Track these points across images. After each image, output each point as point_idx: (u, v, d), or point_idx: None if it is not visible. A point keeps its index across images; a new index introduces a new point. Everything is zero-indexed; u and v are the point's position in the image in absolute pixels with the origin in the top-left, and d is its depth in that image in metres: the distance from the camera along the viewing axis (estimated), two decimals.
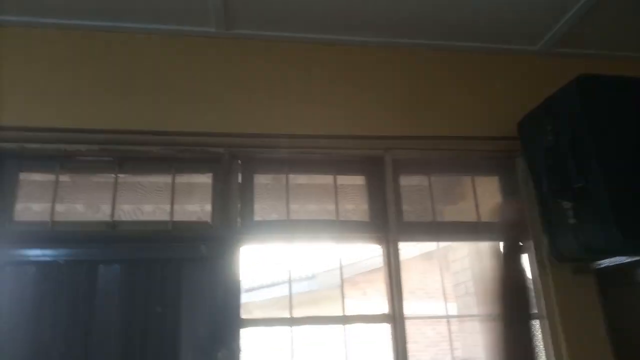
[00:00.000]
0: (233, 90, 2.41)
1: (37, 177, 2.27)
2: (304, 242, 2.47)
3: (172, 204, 2.29)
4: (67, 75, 2.31)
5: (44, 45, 2.34)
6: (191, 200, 2.34)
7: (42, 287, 2.09)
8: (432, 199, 2.52)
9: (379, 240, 2.39)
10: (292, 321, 2.26)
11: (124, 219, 2.26)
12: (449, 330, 2.88)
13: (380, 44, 2.58)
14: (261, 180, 2.41)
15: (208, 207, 2.33)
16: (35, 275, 2.11)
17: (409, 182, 2.54)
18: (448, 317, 3.43)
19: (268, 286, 7.11)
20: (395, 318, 2.21)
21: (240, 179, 2.36)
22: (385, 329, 2.24)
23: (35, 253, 2.14)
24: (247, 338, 2.15)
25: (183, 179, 2.36)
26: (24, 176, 2.25)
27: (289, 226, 2.36)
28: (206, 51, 2.45)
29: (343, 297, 2.38)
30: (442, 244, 3.68)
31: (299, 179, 2.50)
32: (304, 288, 6.57)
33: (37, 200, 2.25)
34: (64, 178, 2.27)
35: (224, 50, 2.46)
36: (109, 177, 2.29)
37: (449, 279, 4.15)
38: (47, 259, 2.14)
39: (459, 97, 2.56)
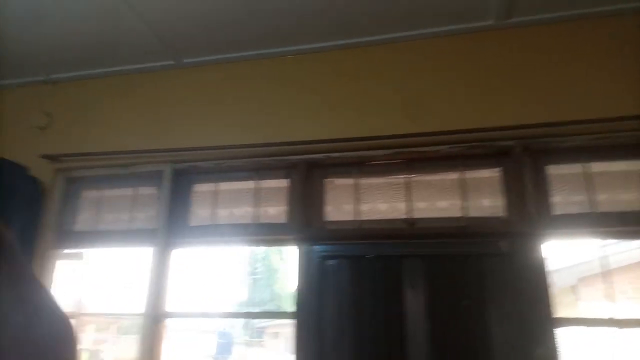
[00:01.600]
0: (514, 82, 2.34)
1: (339, 182, 2.55)
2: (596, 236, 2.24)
3: (463, 200, 2.33)
4: (359, 91, 2.57)
5: (341, 67, 2.65)
6: (481, 195, 2.34)
7: (357, 279, 2.34)
8: None
9: None
10: (616, 323, 2.06)
11: (419, 216, 2.38)
12: None
13: None
14: (555, 171, 2.28)
15: (499, 202, 2.30)
16: (349, 269, 2.38)
17: None
18: None
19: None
20: None
21: (531, 172, 2.26)
22: None
23: (348, 250, 2.41)
24: (564, 338, 2.04)
25: (471, 175, 2.37)
26: (327, 182, 2.56)
27: (594, 220, 2.17)
28: (484, 45, 2.44)
29: None
30: None
31: (599, 166, 2.27)
32: None
33: (340, 203, 2.53)
34: (363, 182, 2.51)
35: (503, 41, 2.41)
36: (402, 179, 2.45)
37: None
38: (357, 253, 2.40)
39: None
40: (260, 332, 20.25)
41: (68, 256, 2.82)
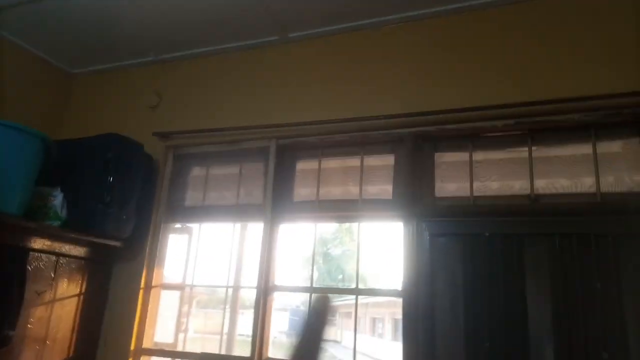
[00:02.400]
0: None
1: (451, 157, 2.41)
2: None
3: (596, 174, 2.11)
4: (468, 58, 2.41)
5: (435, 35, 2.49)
6: (618, 167, 2.11)
7: (471, 258, 2.22)
8: None
9: None
10: None
11: (541, 192, 2.20)
12: None
13: None
14: None
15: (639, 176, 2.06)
16: (463, 247, 2.25)
17: None
18: None
19: None
20: None
21: None
22: None
23: (461, 227, 2.29)
24: None
25: (606, 145, 2.15)
26: (438, 155, 2.43)
27: None
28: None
29: None
30: None
31: None
32: None
33: (453, 179, 2.40)
34: (477, 156, 2.35)
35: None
36: (522, 152, 2.27)
37: None
38: (472, 231, 2.26)
39: None
40: (332, 311, 20.59)
41: (179, 230, 2.93)
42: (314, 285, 2.52)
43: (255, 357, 2.39)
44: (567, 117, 2.16)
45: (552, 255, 2.09)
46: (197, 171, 2.94)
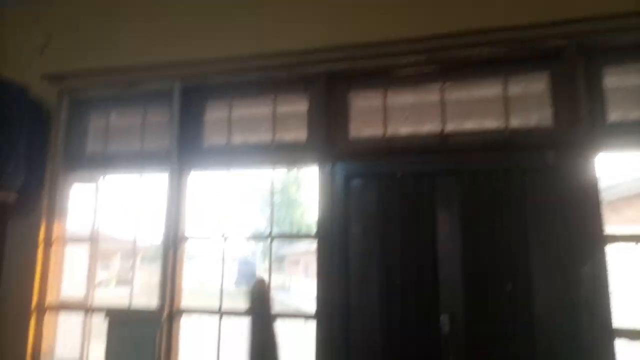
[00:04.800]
0: None
1: (365, 98, 2.31)
2: None
3: (506, 110, 2.09)
4: None
5: None
6: (526, 104, 2.10)
7: (384, 199, 2.18)
8: None
9: None
10: None
11: (452, 130, 2.16)
12: None
13: None
14: (612, 77, 2.00)
15: (546, 111, 2.06)
16: (377, 188, 2.21)
17: None
18: None
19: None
20: None
21: (585, 75, 1.99)
22: None
23: (375, 167, 2.23)
24: (613, 256, 1.88)
25: (514, 84, 2.11)
26: (351, 95, 2.32)
27: None
28: None
29: None
30: None
31: None
32: None
33: (366, 121, 2.31)
34: (390, 99, 2.26)
35: None
36: (434, 91, 2.20)
37: None
38: (385, 171, 2.21)
39: None
40: (280, 260, 20.96)
41: (81, 181, 2.70)
42: (227, 235, 2.42)
43: (166, 308, 2.30)
44: (477, 51, 2.10)
45: (462, 193, 2.08)
46: (97, 118, 2.68)
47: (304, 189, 21.76)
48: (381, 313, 2.09)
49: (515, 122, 2.08)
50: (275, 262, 21.35)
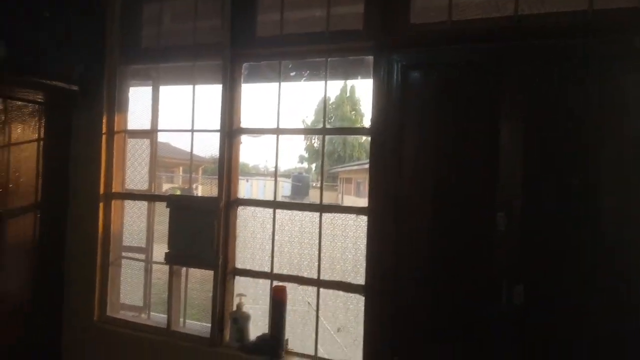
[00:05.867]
0: None
1: None
2: None
3: None
4: None
5: None
6: None
7: (442, 88, 2.05)
8: None
9: None
10: None
11: (527, 12, 1.94)
12: None
13: None
14: None
15: None
16: (436, 78, 2.07)
17: None
18: None
19: None
20: None
21: None
22: None
23: (435, 56, 2.08)
24: None
25: None
26: None
27: None
28: None
29: None
30: None
31: None
32: None
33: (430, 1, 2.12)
34: None
35: None
36: None
37: None
38: (447, 60, 2.06)
39: None
40: (333, 177, 21.25)
41: (138, 76, 2.73)
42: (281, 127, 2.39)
43: (223, 197, 2.37)
44: None
45: (531, 81, 1.90)
46: (150, 9, 2.64)
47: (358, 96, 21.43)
48: (434, 209, 2.04)
49: (598, 2, 1.82)
50: (328, 180, 21.75)
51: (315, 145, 21.72)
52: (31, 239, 2.49)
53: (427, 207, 2.04)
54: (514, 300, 1.85)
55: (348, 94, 21.74)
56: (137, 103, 2.74)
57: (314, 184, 19.36)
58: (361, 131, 2.23)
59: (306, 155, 23.78)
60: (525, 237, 1.87)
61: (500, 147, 1.92)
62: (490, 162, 1.93)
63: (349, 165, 18.23)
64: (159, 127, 2.71)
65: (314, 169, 21.85)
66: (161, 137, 2.80)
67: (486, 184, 1.93)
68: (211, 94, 2.56)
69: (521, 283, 1.85)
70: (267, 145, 2.73)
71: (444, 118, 2.05)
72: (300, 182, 18.89)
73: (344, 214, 2.29)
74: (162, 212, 2.64)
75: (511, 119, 1.92)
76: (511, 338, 1.87)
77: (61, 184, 2.62)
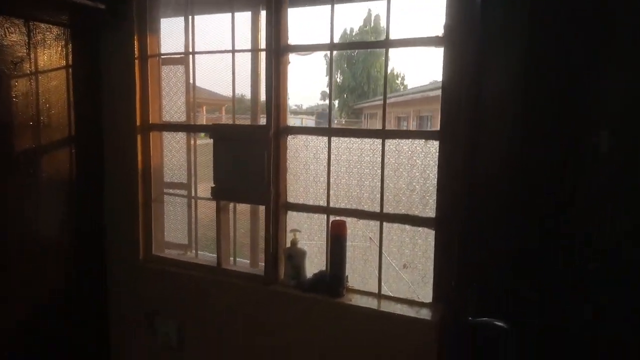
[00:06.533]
0: None
1: None
2: None
3: None
4: None
5: None
6: None
7: None
8: None
9: None
10: None
11: None
12: None
13: None
14: None
15: None
16: None
17: None
18: None
19: None
20: None
21: None
22: None
23: None
24: None
25: None
26: None
27: None
28: None
29: None
30: None
31: None
32: None
33: None
34: None
35: None
36: None
37: None
38: None
39: None
40: (357, 113, 20.78)
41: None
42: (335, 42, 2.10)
43: (272, 124, 2.14)
44: None
45: None
46: None
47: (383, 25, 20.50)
48: (525, 121, 1.75)
49: None
50: (351, 116, 21.28)
51: (339, 80, 21.04)
52: (68, 175, 2.33)
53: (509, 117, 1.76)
54: None
55: (372, 24, 20.69)
56: (170, 32, 2.46)
57: (337, 121, 18.95)
58: (429, 42, 1.91)
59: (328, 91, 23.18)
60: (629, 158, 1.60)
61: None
62: (592, 71, 1.62)
63: (374, 100, 17.67)
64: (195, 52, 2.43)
65: (336, 105, 21.28)
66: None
67: (586, 95, 1.63)
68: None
69: None
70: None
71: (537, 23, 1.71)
72: (322, 120, 18.54)
73: (410, 140, 2.03)
74: (202, 146, 2.44)
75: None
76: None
77: (95, 115, 2.42)
